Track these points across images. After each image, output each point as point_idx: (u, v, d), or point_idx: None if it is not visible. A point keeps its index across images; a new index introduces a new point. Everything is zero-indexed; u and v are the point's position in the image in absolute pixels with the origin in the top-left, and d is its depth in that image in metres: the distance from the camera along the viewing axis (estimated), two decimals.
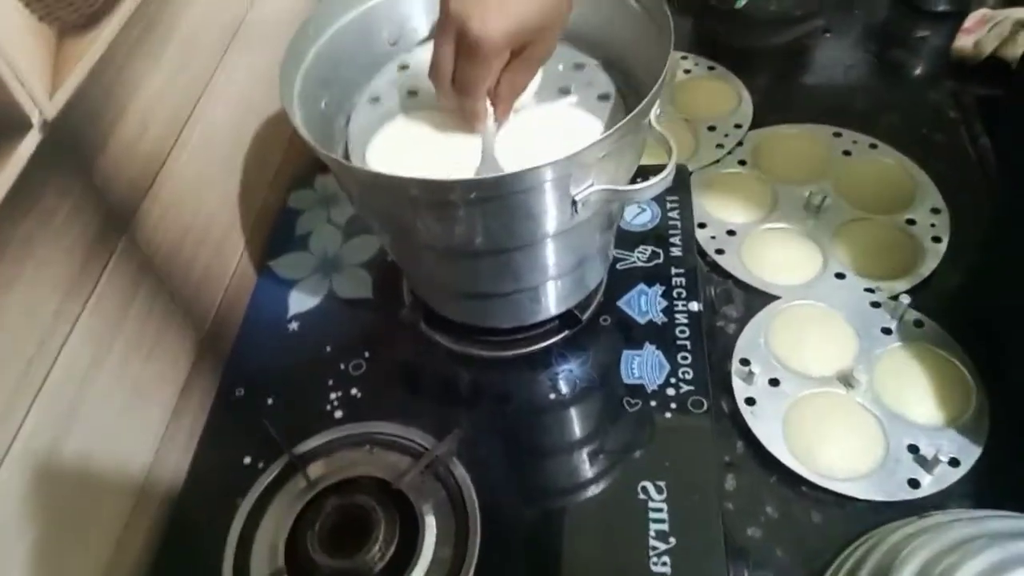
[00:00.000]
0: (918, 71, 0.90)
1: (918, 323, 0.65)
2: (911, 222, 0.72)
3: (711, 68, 0.91)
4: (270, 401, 0.59)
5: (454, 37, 0.44)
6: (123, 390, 0.51)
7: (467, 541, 0.49)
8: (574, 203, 0.45)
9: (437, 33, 0.46)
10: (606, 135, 0.42)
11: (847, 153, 0.79)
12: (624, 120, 0.42)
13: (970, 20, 0.86)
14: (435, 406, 0.58)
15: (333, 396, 0.59)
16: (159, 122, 0.55)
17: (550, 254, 0.51)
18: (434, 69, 0.47)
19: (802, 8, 0.97)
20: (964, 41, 0.85)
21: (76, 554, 0.46)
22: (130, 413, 0.52)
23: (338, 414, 0.58)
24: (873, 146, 0.79)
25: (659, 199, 0.68)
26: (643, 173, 0.47)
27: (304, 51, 0.51)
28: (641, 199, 0.46)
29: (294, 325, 0.64)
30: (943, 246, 0.70)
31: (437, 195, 0.44)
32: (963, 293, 0.67)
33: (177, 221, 0.58)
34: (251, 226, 0.68)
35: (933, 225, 0.71)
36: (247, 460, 0.56)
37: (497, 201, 0.44)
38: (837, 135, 0.80)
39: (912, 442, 0.58)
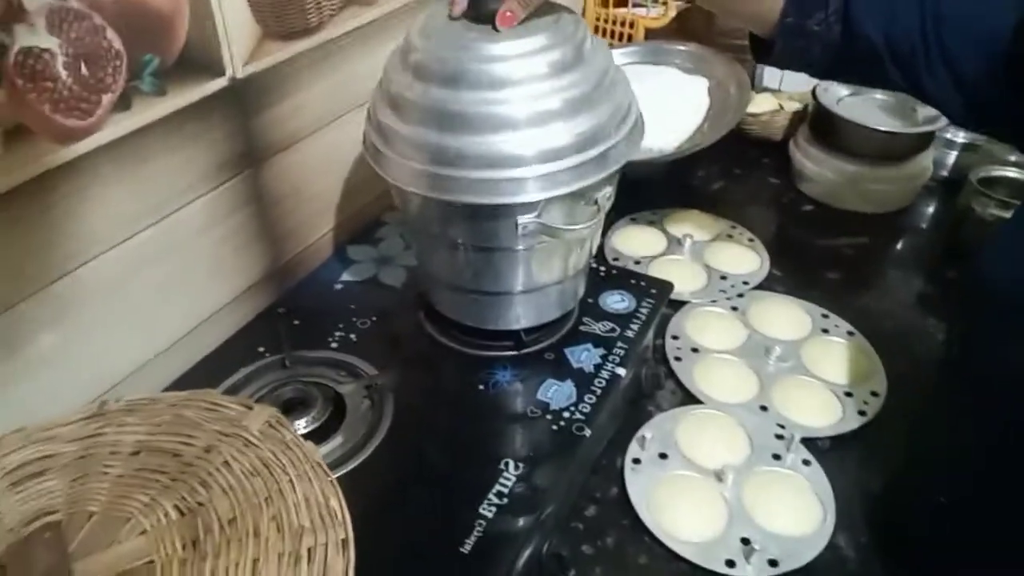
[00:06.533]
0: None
1: (806, 462, 0.75)
2: (849, 394, 0.83)
3: (751, 239, 1.07)
4: (296, 322, 0.81)
5: None
6: (207, 261, 0.76)
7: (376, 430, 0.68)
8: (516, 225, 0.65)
9: None
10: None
11: (825, 331, 0.91)
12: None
13: None
14: (402, 361, 0.77)
15: (338, 335, 0.80)
16: (307, 116, 0.82)
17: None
18: None
19: None
20: None
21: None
22: (205, 279, 0.76)
23: (334, 345, 0.78)
24: (851, 333, 0.91)
25: (640, 299, 0.85)
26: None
27: None
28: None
29: (339, 286, 0.87)
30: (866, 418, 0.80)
31: None
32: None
33: (290, 183, 0.83)
34: (342, 221, 0.94)
35: (866, 403, 0.81)
36: (261, 349, 0.77)
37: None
38: (825, 316, 0.93)
39: (746, 536, 0.68)
